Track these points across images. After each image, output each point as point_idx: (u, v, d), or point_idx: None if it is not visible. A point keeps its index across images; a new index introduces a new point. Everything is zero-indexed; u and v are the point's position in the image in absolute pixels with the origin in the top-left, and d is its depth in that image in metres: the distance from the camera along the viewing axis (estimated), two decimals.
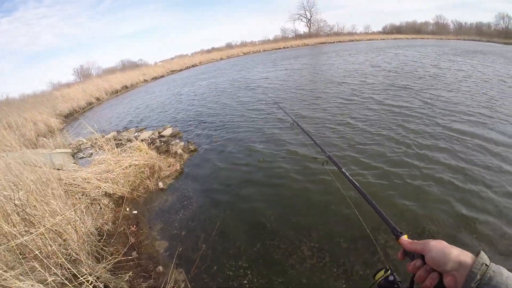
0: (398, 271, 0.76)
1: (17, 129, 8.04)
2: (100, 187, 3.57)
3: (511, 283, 0.47)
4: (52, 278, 1.79)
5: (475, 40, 33.46)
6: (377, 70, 11.37)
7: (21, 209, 2.21)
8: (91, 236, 2.64)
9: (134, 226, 3.12)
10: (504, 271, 0.50)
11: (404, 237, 0.70)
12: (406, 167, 3.65)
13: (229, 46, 49.90)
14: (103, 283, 2.08)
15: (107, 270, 2.29)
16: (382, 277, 0.74)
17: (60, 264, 2.01)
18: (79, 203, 3.06)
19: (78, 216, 2.63)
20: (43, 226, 2.12)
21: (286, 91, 9.23)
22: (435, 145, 4.20)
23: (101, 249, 2.58)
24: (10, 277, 1.65)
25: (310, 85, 9.84)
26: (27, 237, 1.96)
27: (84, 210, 2.97)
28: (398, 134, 4.70)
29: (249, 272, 2.39)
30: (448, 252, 0.56)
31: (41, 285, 1.75)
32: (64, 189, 3.14)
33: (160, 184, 4.01)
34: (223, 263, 2.52)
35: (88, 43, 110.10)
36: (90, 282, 1.96)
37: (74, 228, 2.38)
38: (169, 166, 4.51)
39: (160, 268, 2.50)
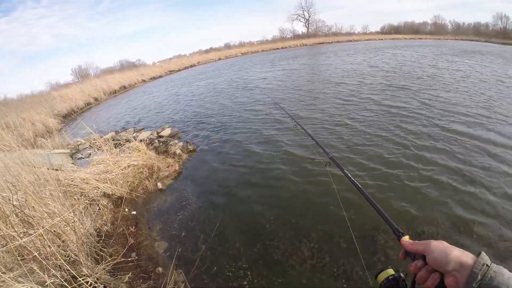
0: (398, 272, 0.77)
1: (15, 129, 8.01)
2: (99, 188, 3.56)
3: None
4: (51, 280, 1.78)
5: (473, 40, 33.67)
6: (375, 71, 11.41)
7: (19, 210, 2.20)
8: (90, 237, 2.63)
9: (133, 227, 3.11)
10: (505, 271, 0.50)
11: (406, 238, 0.71)
12: (405, 168, 3.66)
13: (227, 46, 49.95)
14: (102, 285, 2.07)
15: (107, 271, 2.28)
16: (388, 276, 0.74)
17: (59, 265, 2.01)
18: (77, 203, 3.05)
19: (77, 217, 2.61)
20: (42, 227, 2.11)
21: (284, 92, 9.25)
22: (433, 146, 4.21)
23: (100, 250, 2.57)
24: (9, 279, 1.64)
25: (308, 85, 9.85)
26: (26, 239, 1.95)
27: (83, 211, 2.96)
28: (396, 135, 4.71)
29: (249, 273, 2.39)
30: (449, 252, 0.56)
31: (40, 287, 1.74)
32: (62, 189, 3.13)
33: (159, 185, 4.00)
34: (223, 264, 2.51)
35: (88, 43, 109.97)
36: (89, 283, 1.95)
37: (73, 229, 2.37)
38: (168, 167, 4.50)
39: (160, 269, 2.49)
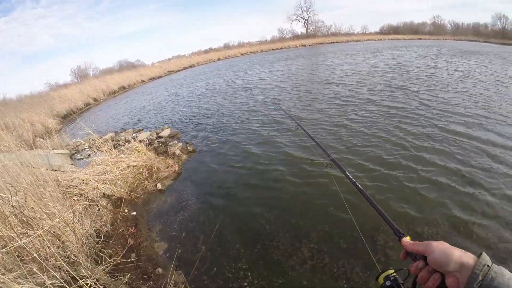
0: (398, 272, 0.77)
1: (14, 130, 7.99)
2: (98, 189, 3.55)
3: None
4: (51, 281, 1.78)
5: (472, 41, 33.75)
6: (374, 71, 11.43)
7: (19, 211, 2.20)
8: (90, 238, 2.62)
9: (133, 228, 3.11)
10: (506, 272, 0.50)
11: (407, 239, 0.71)
12: (404, 169, 3.66)
13: (226, 46, 49.96)
14: (102, 286, 2.07)
15: (106, 272, 2.27)
16: (387, 276, 0.74)
17: (59, 266, 2.00)
18: (77, 204, 3.04)
19: (76, 218, 2.61)
20: (41, 228, 2.10)
21: (283, 92, 9.25)
22: (433, 146, 4.22)
23: (100, 251, 2.56)
24: (9, 280, 1.64)
25: (308, 86, 9.86)
26: (25, 240, 1.95)
27: (83, 212, 2.95)
28: (395, 135, 4.71)
29: (249, 273, 2.39)
30: (450, 253, 0.56)
31: None
32: (62, 190, 3.12)
33: (159, 185, 3.99)
34: (223, 265, 2.51)
35: (88, 43, 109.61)
36: (89, 284, 1.95)
37: (73, 230, 2.37)
38: (167, 167, 4.50)
39: (160, 270, 2.49)
